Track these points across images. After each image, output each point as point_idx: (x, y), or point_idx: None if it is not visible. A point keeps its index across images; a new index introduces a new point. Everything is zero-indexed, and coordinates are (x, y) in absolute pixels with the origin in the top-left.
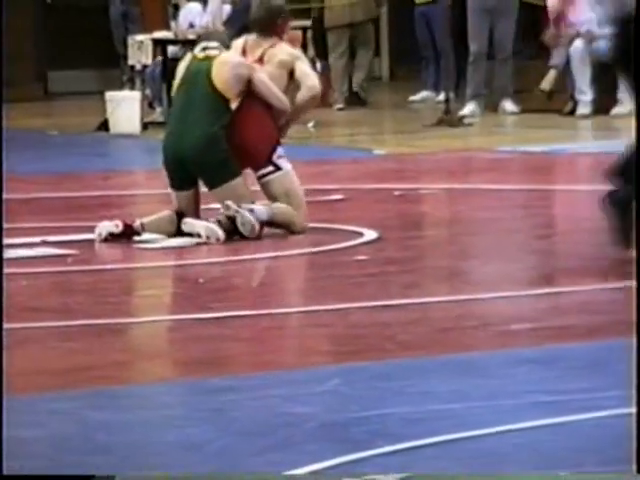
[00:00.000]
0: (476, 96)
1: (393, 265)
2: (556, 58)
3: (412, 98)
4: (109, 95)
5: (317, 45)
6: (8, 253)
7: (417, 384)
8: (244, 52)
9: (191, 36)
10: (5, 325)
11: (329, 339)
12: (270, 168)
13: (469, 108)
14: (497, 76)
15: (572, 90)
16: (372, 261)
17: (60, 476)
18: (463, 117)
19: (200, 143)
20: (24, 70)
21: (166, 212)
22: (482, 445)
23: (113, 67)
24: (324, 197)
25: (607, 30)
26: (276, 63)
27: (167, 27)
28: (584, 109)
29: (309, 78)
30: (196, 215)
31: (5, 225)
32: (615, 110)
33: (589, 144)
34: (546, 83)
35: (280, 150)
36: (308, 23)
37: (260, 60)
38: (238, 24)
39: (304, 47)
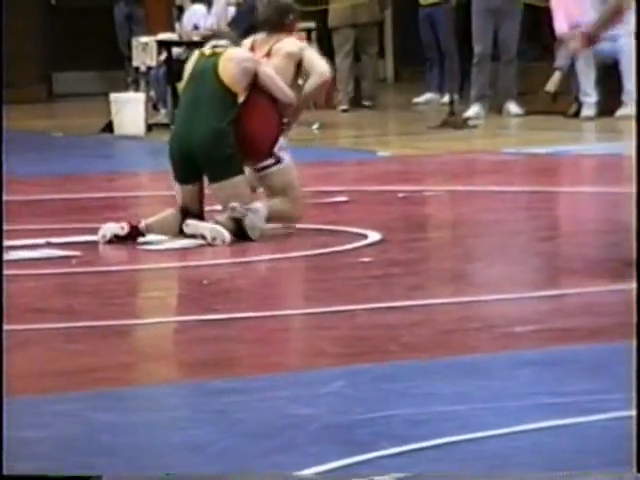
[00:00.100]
0: (480, 98)
1: (397, 267)
2: (560, 60)
3: (416, 100)
4: (113, 97)
5: (321, 47)
6: (12, 255)
7: (421, 386)
8: (252, 50)
9: (195, 38)
10: (10, 326)
11: (333, 341)
12: (271, 161)
13: (473, 110)
14: (501, 78)
15: (577, 92)
16: (376, 263)
17: (59, 477)
18: (467, 119)
19: (208, 137)
20: (28, 71)
21: (169, 211)
22: (486, 447)
23: (117, 69)
24: (328, 199)
25: (611, 32)
26: (283, 55)
27: (171, 29)
28: (589, 111)
29: (319, 64)
30: (200, 210)
31: (9, 227)
32: (620, 112)
33: (593, 146)
34: (551, 85)
35: (282, 141)
36: (312, 25)
37: (268, 55)
38: (243, 25)
39: None
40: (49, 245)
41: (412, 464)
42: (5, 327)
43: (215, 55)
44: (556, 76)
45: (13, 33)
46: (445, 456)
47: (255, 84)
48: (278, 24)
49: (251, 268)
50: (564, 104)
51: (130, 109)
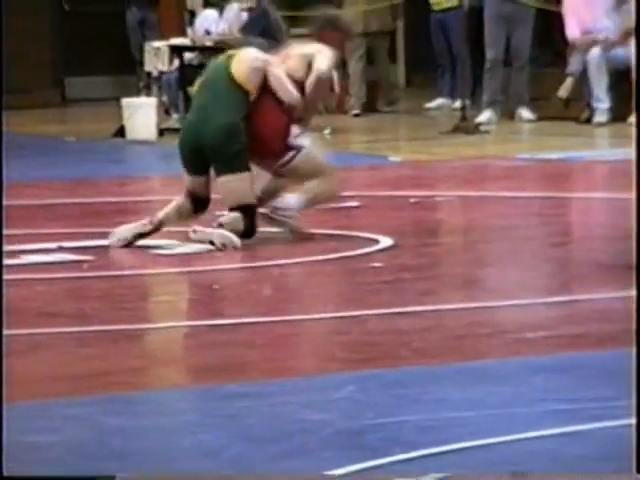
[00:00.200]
0: (492, 103)
1: (408, 272)
2: (573, 65)
3: (428, 105)
4: (125, 101)
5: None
6: (24, 259)
7: (432, 391)
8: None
9: (208, 43)
10: (21, 330)
11: (344, 346)
12: (291, 153)
13: (485, 115)
14: (513, 83)
15: (589, 98)
16: (387, 268)
17: (61, 477)
18: (479, 124)
19: (220, 132)
20: (41, 76)
21: (178, 200)
22: (496, 453)
23: (130, 73)
24: (340, 204)
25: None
26: (297, 55)
27: (183, 34)
28: (601, 117)
29: (319, 62)
30: (207, 197)
31: (21, 231)
32: (632, 118)
33: (606, 152)
34: (563, 91)
35: (295, 130)
36: None
37: (287, 56)
38: (255, 31)
39: None
40: (61, 249)
41: (423, 470)
42: (17, 331)
43: (229, 57)
44: (568, 82)
45: (26, 38)
46: (456, 462)
47: (266, 84)
48: (317, 33)
49: (262, 273)
50: (576, 110)
51: (142, 114)
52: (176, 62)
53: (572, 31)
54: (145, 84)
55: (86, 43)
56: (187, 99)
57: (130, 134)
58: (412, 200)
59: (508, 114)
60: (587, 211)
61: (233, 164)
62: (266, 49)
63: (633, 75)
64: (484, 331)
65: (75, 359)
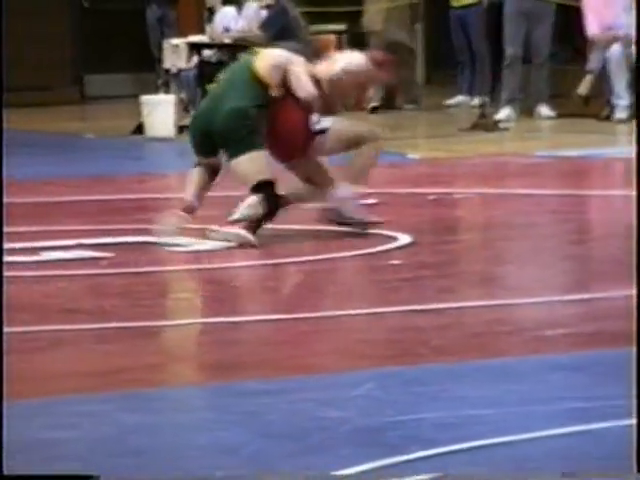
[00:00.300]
0: (512, 100)
1: (427, 270)
2: (593, 62)
3: (447, 102)
4: (144, 99)
5: (353, 49)
6: (44, 255)
7: (451, 389)
8: None
9: (226, 40)
10: (41, 327)
11: (363, 343)
12: (317, 137)
13: (504, 112)
14: (533, 80)
15: (609, 95)
16: (406, 265)
17: (60, 476)
18: (498, 121)
19: (228, 117)
20: (61, 74)
21: (196, 171)
22: (515, 450)
23: (149, 71)
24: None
25: None
26: (327, 59)
27: (202, 31)
28: (621, 114)
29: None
30: (211, 179)
31: (41, 227)
32: None
33: (626, 149)
34: (583, 88)
35: (314, 118)
36: (343, 27)
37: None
38: (274, 29)
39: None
40: (80, 246)
41: (442, 467)
42: (37, 327)
43: (254, 54)
44: (588, 79)
45: (45, 36)
46: (474, 459)
47: (288, 85)
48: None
49: (280, 270)
50: (596, 107)
51: (161, 111)
52: (195, 59)
53: (592, 28)
54: (164, 81)
55: (105, 40)
56: (205, 96)
57: (149, 131)
58: (431, 197)
59: (527, 111)
60: (606, 209)
61: (243, 146)
62: (294, 51)
63: None
64: (503, 329)
65: (94, 356)
